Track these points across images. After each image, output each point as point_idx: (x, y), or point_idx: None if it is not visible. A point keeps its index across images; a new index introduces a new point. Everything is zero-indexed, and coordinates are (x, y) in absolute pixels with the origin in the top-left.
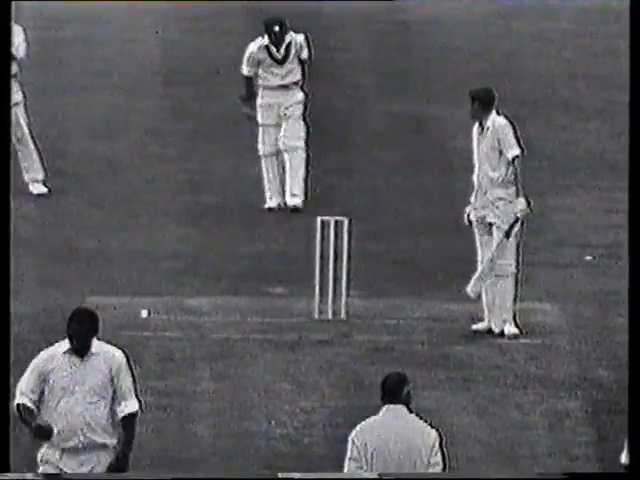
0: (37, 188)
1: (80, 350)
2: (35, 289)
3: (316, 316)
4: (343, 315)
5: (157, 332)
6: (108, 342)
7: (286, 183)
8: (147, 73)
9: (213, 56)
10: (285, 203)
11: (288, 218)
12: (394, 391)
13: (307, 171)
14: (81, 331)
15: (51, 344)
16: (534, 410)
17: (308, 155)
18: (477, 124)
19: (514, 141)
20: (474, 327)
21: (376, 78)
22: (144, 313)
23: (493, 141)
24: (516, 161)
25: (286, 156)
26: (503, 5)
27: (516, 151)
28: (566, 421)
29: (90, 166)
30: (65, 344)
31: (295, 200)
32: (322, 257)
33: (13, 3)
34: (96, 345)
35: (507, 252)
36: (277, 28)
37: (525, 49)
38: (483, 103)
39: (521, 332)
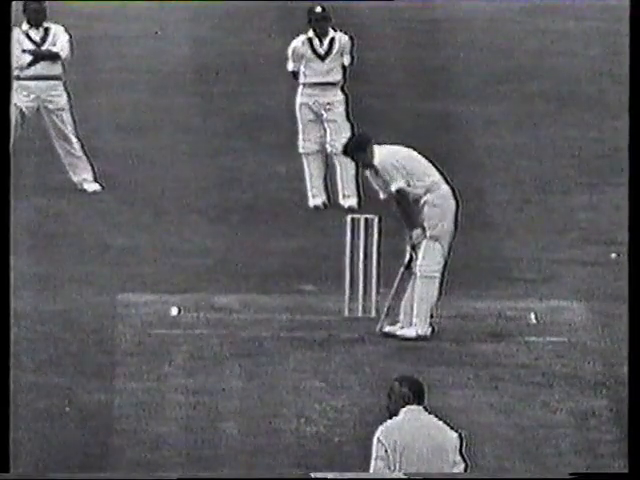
0: (91, 186)
1: None
2: (66, 287)
3: (346, 314)
4: (373, 313)
5: (186, 330)
6: (138, 343)
7: (338, 185)
8: (177, 70)
9: (243, 53)
10: (329, 200)
11: (318, 216)
12: (422, 394)
13: (357, 171)
14: None
15: (81, 341)
16: (560, 408)
17: None
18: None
19: (395, 174)
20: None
21: (405, 76)
22: (174, 311)
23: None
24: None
25: (335, 159)
26: (530, 3)
27: (398, 184)
28: (592, 419)
29: (120, 163)
30: None
31: (349, 201)
32: (352, 255)
33: (13, 3)
34: None
35: (431, 255)
36: (319, 9)
37: (551, 47)
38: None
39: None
